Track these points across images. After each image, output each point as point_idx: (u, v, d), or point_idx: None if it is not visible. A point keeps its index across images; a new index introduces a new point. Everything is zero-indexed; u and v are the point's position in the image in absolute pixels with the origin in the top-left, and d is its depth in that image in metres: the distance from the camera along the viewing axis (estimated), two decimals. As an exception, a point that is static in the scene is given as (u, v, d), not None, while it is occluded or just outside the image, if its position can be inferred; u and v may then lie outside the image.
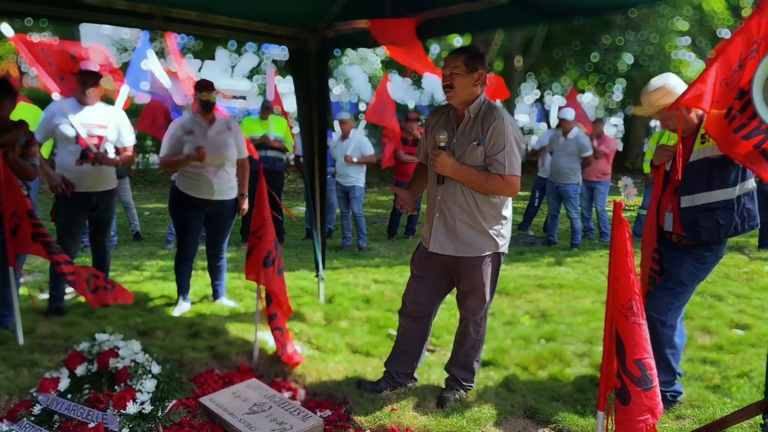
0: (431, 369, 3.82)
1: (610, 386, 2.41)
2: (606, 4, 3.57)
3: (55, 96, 4.98)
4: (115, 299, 3.92)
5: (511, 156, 3.03)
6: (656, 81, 3.15)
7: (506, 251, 3.29)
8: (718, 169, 3.00)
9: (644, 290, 3.40)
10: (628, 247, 2.24)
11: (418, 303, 3.46)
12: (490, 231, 3.13)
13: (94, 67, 4.55)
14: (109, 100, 4.91)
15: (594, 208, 8.93)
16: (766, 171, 2.56)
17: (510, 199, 3.21)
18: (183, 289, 4.98)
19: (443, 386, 3.53)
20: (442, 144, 3.10)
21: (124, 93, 5.62)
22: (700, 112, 3.09)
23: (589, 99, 27.76)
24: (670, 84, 3.09)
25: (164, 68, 6.13)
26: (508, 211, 3.21)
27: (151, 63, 5.94)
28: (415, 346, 3.53)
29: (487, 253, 3.16)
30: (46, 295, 4.85)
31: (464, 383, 3.45)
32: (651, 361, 2.33)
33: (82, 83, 4.51)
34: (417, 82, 23.49)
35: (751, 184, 3.04)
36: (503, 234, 3.20)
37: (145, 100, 6.24)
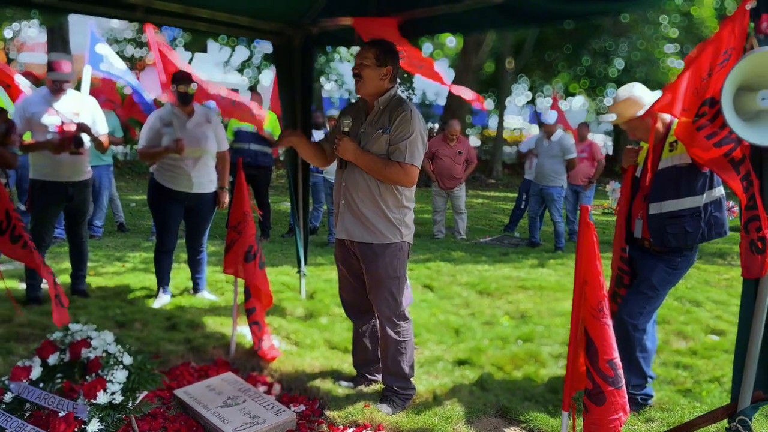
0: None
1: (576, 386, 2.44)
2: (590, 11, 3.60)
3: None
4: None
5: (413, 147, 3.07)
6: (622, 92, 3.21)
7: (411, 241, 3.28)
8: (685, 176, 3.05)
9: (611, 290, 3.44)
10: (595, 250, 2.27)
11: (351, 295, 3.47)
12: (393, 218, 3.15)
13: (66, 67, 4.49)
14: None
15: (578, 212, 8.99)
16: (734, 179, 2.59)
17: (413, 190, 3.23)
18: (163, 281, 4.97)
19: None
20: (346, 129, 3.14)
21: (87, 74, 6.20)
22: (667, 120, 3.14)
23: (580, 103, 27.88)
24: (636, 94, 3.15)
25: (151, 61, 6.38)
26: (410, 203, 3.23)
27: (103, 47, 6.76)
28: (372, 339, 3.51)
29: (392, 242, 3.16)
30: (24, 285, 4.82)
31: (401, 391, 3.32)
32: (619, 361, 2.37)
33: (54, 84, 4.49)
34: (407, 80, 23.51)
35: (719, 192, 3.09)
36: (407, 222, 3.22)
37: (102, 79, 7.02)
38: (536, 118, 26.40)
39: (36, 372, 2.79)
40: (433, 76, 4.32)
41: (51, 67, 4.45)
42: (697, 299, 5.69)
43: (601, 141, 24.83)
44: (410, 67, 4.22)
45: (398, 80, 3.23)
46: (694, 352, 4.32)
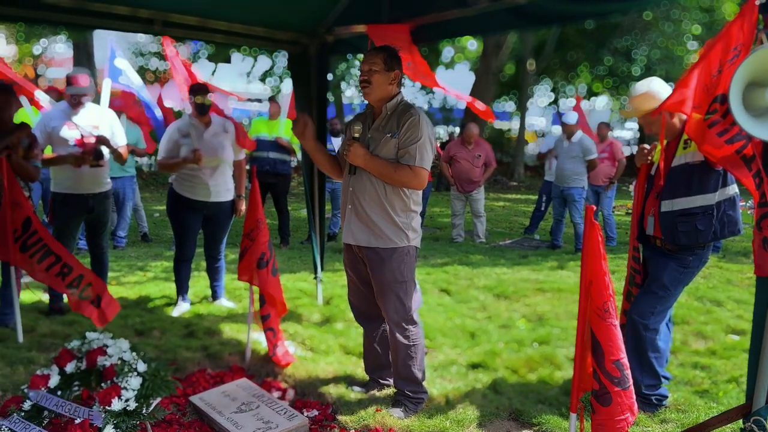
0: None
1: (583, 387, 2.44)
2: (587, 11, 3.60)
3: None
4: (90, 315, 3.94)
5: (423, 150, 3.09)
6: (640, 85, 3.19)
7: (418, 245, 3.29)
8: (698, 174, 3.02)
9: (626, 289, 3.42)
10: (601, 250, 2.26)
11: (360, 301, 3.48)
12: (400, 223, 3.15)
13: (84, 81, 4.57)
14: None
15: (600, 213, 8.89)
16: (746, 176, 2.57)
17: (420, 194, 3.24)
18: (182, 289, 5.04)
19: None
20: (356, 135, 3.16)
21: (107, 87, 6.39)
22: (684, 117, 3.11)
23: (604, 102, 27.61)
24: (654, 89, 3.12)
25: (171, 74, 6.47)
26: (417, 206, 3.24)
27: (121, 62, 6.89)
28: (383, 344, 3.52)
29: (399, 246, 3.17)
30: (47, 296, 4.92)
31: (412, 395, 3.32)
32: (626, 361, 2.36)
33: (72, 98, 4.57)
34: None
35: (733, 190, 3.05)
36: (414, 227, 3.22)
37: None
38: (558, 119, 26.21)
39: (54, 380, 2.86)
40: (437, 86, 4.36)
41: (69, 81, 4.55)
42: (719, 299, 5.61)
43: (624, 143, 24.55)
44: (414, 76, 4.24)
45: (403, 84, 3.27)
46: (713, 352, 4.25)
